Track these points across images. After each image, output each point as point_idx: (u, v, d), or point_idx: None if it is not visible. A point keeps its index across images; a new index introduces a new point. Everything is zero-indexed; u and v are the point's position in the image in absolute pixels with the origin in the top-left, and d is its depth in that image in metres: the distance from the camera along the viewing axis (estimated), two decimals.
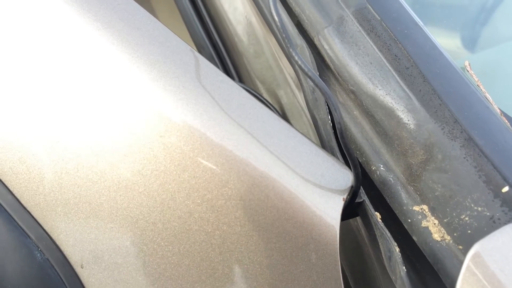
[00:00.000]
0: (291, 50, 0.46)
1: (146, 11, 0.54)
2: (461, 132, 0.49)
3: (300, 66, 0.46)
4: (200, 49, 0.95)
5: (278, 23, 0.46)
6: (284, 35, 0.46)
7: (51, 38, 0.51)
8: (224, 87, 0.52)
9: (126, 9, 0.53)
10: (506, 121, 0.57)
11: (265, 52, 0.78)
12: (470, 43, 1.34)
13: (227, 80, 0.53)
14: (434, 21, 1.41)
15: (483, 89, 0.61)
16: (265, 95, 0.81)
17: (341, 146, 0.53)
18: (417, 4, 1.49)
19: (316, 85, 0.46)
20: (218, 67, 0.89)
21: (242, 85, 0.75)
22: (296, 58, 0.46)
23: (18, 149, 0.52)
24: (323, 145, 0.58)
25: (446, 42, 1.35)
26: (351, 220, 0.63)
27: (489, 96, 0.60)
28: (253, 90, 0.77)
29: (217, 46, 0.93)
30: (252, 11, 0.79)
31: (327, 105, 0.57)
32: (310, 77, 0.46)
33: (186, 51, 0.53)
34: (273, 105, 0.77)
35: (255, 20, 0.79)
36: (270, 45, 0.76)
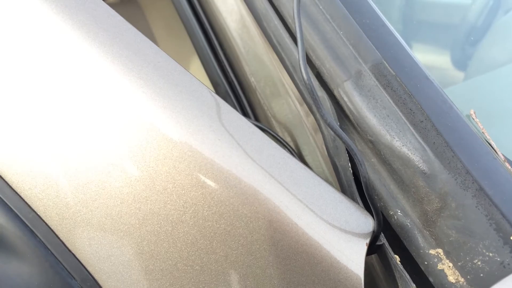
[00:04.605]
0: (321, 108, 0.51)
1: (181, 67, 0.59)
2: (473, 182, 0.54)
3: (329, 124, 0.51)
4: (216, 86, 1.00)
5: (308, 85, 0.51)
6: (314, 96, 0.51)
7: (96, 94, 0.56)
8: (255, 138, 0.57)
9: (165, 66, 0.57)
10: (510, 167, 0.62)
11: (282, 94, 0.83)
12: (460, 63, 1.37)
13: (257, 131, 0.58)
14: (425, 38, 1.45)
15: (488, 136, 0.66)
16: (281, 134, 0.86)
17: (363, 193, 0.58)
18: (408, 21, 1.54)
19: (344, 142, 0.51)
20: (234, 105, 0.94)
21: (266, 128, 0.80)
22: (325, 116, 0.51)
23: (65, 196, 0.56)
24: (343, 189, 0.63)
25: (436, 59, 1.39)
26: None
27: (493, 143, 0.65)
28: (273, 132, 0.82)
29: (233, 84, 0.98)
30: (270, 54, 0.84)
31: (348, 154, 0.62)
32: (339, 135, 0.50)
33: (220, 105, 0.58)
34: (289, 144, 0.82)
35: (272, 63, 0.84)
36: (286, 88, 0.81)
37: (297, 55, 0.68)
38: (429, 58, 1.39)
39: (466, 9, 1.41)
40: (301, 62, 0.52)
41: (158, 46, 0.60)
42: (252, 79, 0.91)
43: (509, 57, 1.29)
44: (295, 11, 0.53)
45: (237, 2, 0.88)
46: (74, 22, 0.56)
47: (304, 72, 0.51)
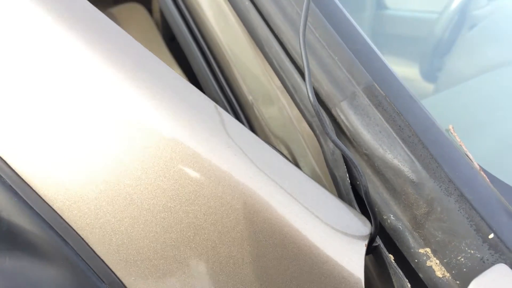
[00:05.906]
0: (326, 127, 0.59)
1: (193, 87, 0.65)
2: (455, 189, 0.63)
3: (333, 141, 0.59)
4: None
5: (315, 106, 0.59)
6: (320, 116, 0.59)
7: (119, 114, 0.62)
8: (267, 155, 0.64)
9: (178, 85, 0.64)
10: (485, 175, 0.71)
11: (280, 111, 0.91)
12: (428, 74, 1.41)
13: (267, 147, 0.65)
14: (393, 51, 1.53)
15: (465, 148, 0.75)
16: (279, 147, 0.93)
17: (358, 200, 0.66)
18: (376, 34, 1.62)
19: (347, 156, 0.59)
20: None
21: (266, 142, 0.87)
22: (330, 134, 0.59)
23: (95, 208, 0.62)
24: (341, 197, 0.71)
25: (406, 71, 1.46)
26: None
27: (470, 155, 0.74)
28: (276, 149, 0.89)
29: (231, 101, 1.05)
30: (268, 75, 0.91)
31: (346, 165, 0.70)
32: (342, 150, 0.58)
33: (237, 125, 0.64)
34: (287, 157, 0.90)
35: (270, 83, 0.92)
36: (284, 105, 0.89)
37: (297, 77, 0.77)
38: (398, 69, 1.47)
39: (433, 23, 1.47)
40: (308, 88, 0.60)
41: None
42: (250, 97, 0.98)
43: (476, 70, 1.36)
44: (302, 43, 0.60)
45: (240, 28, 0.95)
46: (99, 51, 0.62)
47: (312, 96, 0.58)
